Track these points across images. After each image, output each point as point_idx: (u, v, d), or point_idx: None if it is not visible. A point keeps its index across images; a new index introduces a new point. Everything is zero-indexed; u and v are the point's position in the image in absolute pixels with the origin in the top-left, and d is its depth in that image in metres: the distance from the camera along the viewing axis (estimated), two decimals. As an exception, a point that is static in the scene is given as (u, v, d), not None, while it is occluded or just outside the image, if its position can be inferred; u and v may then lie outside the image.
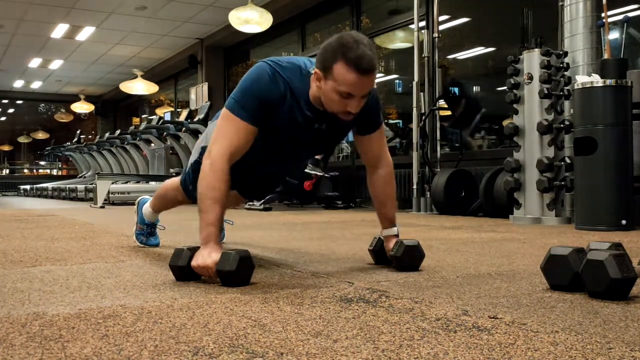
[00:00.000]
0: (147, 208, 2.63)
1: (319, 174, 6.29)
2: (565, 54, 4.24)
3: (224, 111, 1.86)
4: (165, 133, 9.07)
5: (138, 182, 8.65)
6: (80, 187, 9.58)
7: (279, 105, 1.82)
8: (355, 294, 1.56)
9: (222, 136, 1.81)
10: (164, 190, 2.51)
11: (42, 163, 21.28)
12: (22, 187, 14.28)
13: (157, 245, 2.71)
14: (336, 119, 1.83)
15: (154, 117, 10.18)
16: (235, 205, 2.82)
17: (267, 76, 1.81)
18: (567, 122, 4.10)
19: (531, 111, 4.21)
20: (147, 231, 2.70)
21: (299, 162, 2.20)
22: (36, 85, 15.49)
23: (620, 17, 4.44)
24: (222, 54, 11.50)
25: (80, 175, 12.84)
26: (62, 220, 4.79)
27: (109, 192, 7.50)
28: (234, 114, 1.81)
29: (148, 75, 12.98)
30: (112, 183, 7.89)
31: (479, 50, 6.88)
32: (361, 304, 1.43)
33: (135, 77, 12.73)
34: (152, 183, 8.70)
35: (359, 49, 1.66)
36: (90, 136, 18.92)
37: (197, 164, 1.99)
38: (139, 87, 12.79)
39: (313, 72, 1.79)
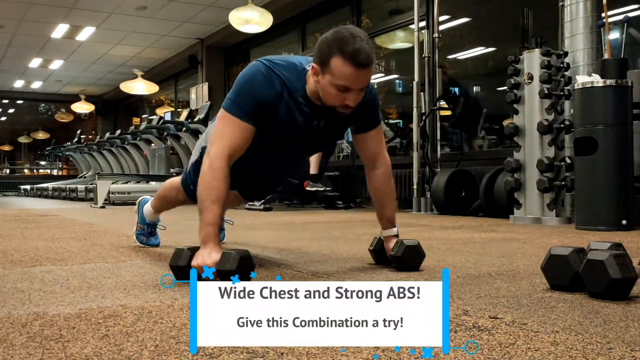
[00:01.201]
0: (147, 208, 2.62)
1: (319, 189, 6.25)
2: (566, 54, 4.24)
3: (221, 112, 1.87)
4: (165, 133, 9.07)
5: (138, 182, 8.65)
6: (81, 187, 9.57)
7: (275, 104, 1.83)
8: (355, 294, 1.56)
9: (221, 136, 1.81)
10: (164, 190, 2.51)
11: (43, 163, 21.26)
12: (22, 187, 14.27)
13: (157, 245, 2.71)
14: (335, 114, 1.84)
15: (154, 117, 10.18)
16: (235, 205, 2.81)
17: (261, 75, 1.81)
18: (567, 122, 4.09)
19: (531, 111, 4.21)
20: (148, 231, 2.70)
21: (299, 161, 2.20)
22: (36, 85, 15.49)
23: (621, 17, 4.44)
24: (222, 54, 11.51)
25: (80, 175, 12.84)
26: (62, 220, 4.79)
27: (109, 192, 7.50)
28: (231, 114, 1.81)
29: (148, 75, 12.98)
30: (113, 183, 7.89)
31: (479, 50, 6.88)
32: (361, 304, 1.43)
33: (136, 77, 12.73)
34: (153, 183, 8.70)
35: (355, 43, 1.67)
36: (90, 136, 18.90)
37: (198, 163, 1.99)
38: (139, 87, 12.79)
39: (310, 67, 1.80)
